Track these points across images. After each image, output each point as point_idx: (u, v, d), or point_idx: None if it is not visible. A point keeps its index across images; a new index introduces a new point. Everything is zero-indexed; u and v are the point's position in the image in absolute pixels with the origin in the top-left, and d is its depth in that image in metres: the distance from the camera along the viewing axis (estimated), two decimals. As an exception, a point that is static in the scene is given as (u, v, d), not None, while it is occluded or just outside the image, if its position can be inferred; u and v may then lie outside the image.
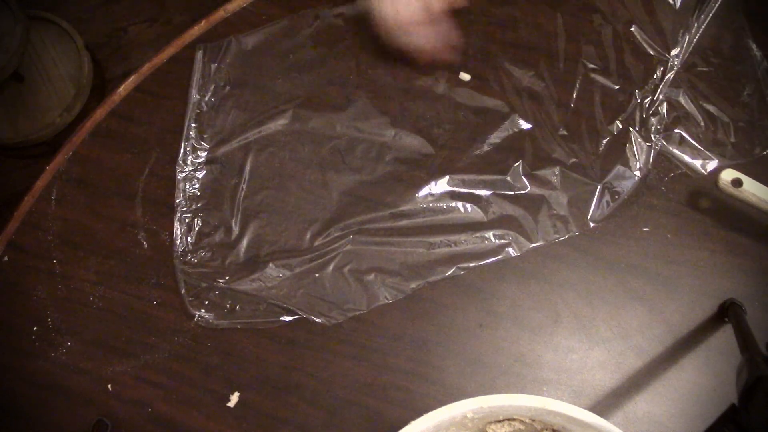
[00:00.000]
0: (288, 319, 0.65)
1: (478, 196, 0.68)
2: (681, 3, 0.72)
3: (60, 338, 0.67)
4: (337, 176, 0.70)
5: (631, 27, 0.72)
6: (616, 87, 0.71)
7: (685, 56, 0.70)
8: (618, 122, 0.70)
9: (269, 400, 0.64)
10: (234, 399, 0.64)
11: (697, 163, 0.68)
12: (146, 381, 0.65)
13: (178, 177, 0.70)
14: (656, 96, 0.70)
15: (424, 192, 0.69)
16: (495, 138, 0.70)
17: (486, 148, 0.70)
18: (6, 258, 0.70)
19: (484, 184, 0.69)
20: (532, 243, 0.66)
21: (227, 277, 0.67)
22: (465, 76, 0.72)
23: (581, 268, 0.66)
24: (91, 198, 0.71)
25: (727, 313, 0.62)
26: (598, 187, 0.68)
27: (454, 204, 0.68)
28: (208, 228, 0.69)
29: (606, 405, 0.62)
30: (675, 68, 0.70)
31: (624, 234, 0.66)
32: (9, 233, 0.70)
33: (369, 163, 0.70)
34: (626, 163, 0.68)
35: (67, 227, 0.71)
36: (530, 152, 0.69)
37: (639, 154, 0.68)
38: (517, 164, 0.69)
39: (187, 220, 0.69)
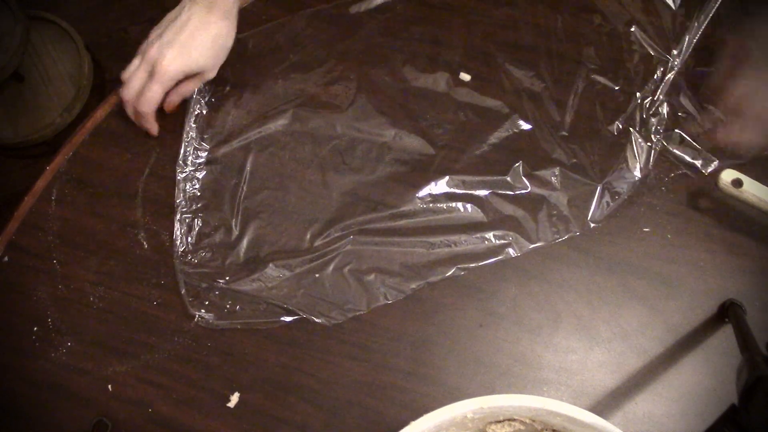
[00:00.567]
0: (288, 319, 0.65)
1: (478, 197, 0.68)
2: (681, 3, 0.72)
3: (60, 338, 0.67)
4: (337, 176, 0.70)
5: (631, 27, 0.72)
6: (616, 87, 0.71)
7: (685, 56, 0.70)
8: (618, 123, 0.70)
9: (269, 400, 0.64)
10: (234, 399, 0.64)
11: (698, 164, 0.68)
12: (146, 381, 0.65)
13: (178, 177, 0.70)
14: (656, 96, 0.70)
15: (424, 192, 0.69)
16: (495, 138, 0.70)
17: (486, 148, 0.70)
18: (6, 258, 0.70)
19: (484, 185, 0.69)
20: (533, 243, 0.66)
21: (227, 278, 0.67)
22: (465, 76, 0.72)
23: (581, 269, 0.66)
24: (91, 198, 0.71)
25: (727, 313, 0.62)
26: (598, 188, 0.68)
27: (454, 204, 0.68)
28: (208, 228, 0.69)
29: (606, 405, 0.62)
30: (675, 68, 0.70)
31: (624, 234, 0.66)
32: (9, 233, 0.70)
33: (369, 163, 0.70)
34: (626, 164, 0.68)
35: (68, 227, 0.70)
36: (530, 152, 0.69)
37: (639, 155, 0.68)
38: (517, 164, 0.69)
39: (187, 221, 0.69)
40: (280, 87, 0.74)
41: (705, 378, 0.62)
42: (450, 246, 0.67)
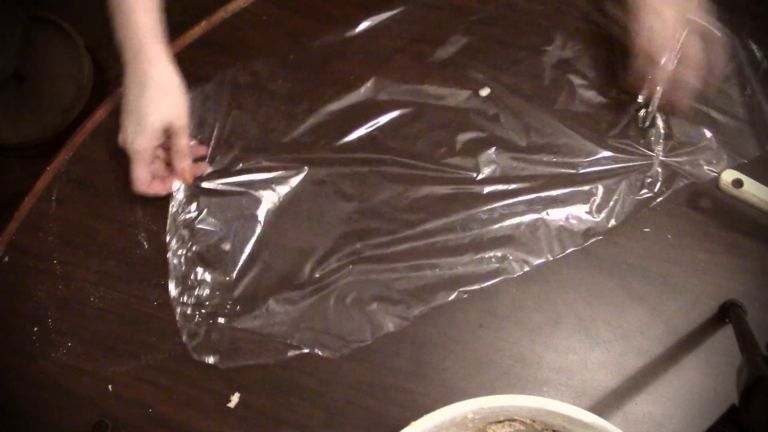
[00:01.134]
0: (292, 354, 0.64)
1: (476, 217, 0.68)
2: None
3: (60, 338, 0.67)
4: (333, 205, 0.69)
5: (627, 31, 0.72)
6: (613, 93, 0.71)
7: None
8: (617, 128, 0.69)
9: (270, 400, 0.64)
10: (234, 399, 0.64)
11: (698, 164, 0.68)
12: (147, 381, 0.65)
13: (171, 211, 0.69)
14: (655, 98, 0.69)
15: (421, 217, 0.68)
16: (490, 155, 0.69)
17: (482, 167, 0.69)
18: (6, 258, 0.70)
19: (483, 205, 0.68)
20: (535, 261, 0.66)
21: (228, 316, 0.66)
22: (484, 91, 0.72)
23: (582, 269, 0.66)
24: (91, 198, 0.71)
25: (727, 313, 0.62)
26: (599, 197, 0.67)
27: (452, 227, 0.67)
28: (206, 266, 0.68)
29: (606, 405, 0.62)
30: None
31: (625, 235, 0.66)
32: (9, 234, 0.70)
33: (366, 189, 0.69)
34: (626, 170, 0.68)
35: (68, 228, 0.70)
36: (526, 168, 0.69)
37: (639, 159, 0.68)
38: (512, 183, 0.68)
39: (183, 260, 0.68)
40: (280, 87, 0.74)
41: (705, 378, 0.62)
42: (451, 268, 0.66)
